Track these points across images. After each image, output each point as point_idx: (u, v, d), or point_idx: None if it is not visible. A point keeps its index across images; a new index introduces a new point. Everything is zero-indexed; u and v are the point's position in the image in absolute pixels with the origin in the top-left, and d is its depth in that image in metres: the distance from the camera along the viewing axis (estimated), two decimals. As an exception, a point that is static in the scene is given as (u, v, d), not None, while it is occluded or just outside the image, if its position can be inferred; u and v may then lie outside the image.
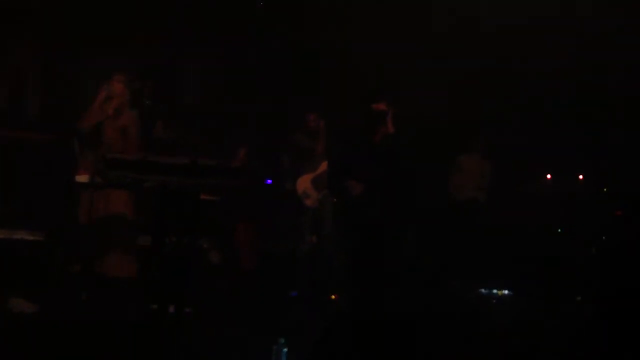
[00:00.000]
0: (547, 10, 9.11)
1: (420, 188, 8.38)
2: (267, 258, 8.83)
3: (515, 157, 9.78)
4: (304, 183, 8.25)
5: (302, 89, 9.94)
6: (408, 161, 6.60)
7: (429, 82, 9.46)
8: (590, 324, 7.20)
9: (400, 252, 7.30)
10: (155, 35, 9.85)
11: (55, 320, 5.88)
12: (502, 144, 9.72)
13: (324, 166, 8.00)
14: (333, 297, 7.64)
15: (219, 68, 10.60)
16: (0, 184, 7.77)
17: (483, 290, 8.73)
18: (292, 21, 10.05)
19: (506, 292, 8.74)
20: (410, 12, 9.41)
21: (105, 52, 9.40)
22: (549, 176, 9.87)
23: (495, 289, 8.75)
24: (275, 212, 9.27)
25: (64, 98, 8.92)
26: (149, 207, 7.26)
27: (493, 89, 9.86)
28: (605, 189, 9.23)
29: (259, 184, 9.18)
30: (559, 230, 9.26)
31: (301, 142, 8.43)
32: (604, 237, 8.77)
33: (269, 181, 9.53)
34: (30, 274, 6.77)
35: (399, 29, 9.44)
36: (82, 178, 6.86)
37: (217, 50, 10.31)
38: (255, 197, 8.91)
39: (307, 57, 10.19)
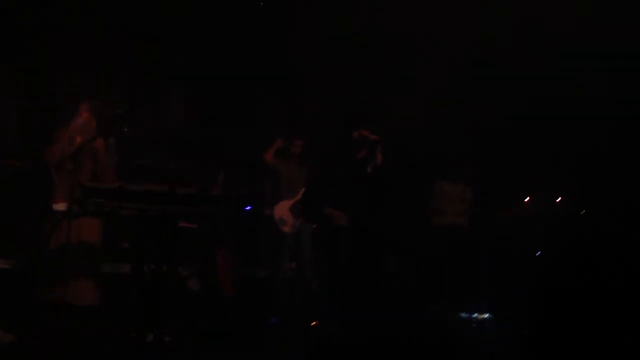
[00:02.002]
0: (523, 34, 9.19)
1: (401, 213, 8.44)
2: (247, 284, 8.80)
3: (494, 181, 9.83)
4: (282, 209, 8.24)
5: (283, 114, 9.98)
6: (392, 188, 6.60)
7: (408, 107, 9.51)
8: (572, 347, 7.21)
9: (381, 277, 7.31)
10: (138, 60, 9.87)
11: (36, 351, 5.85)
12: (481, 168, 9.77)
13: (302, 193, 7.99)
14: (313, 323, 7.62)
15: (202, 93, 10.62)
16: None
17: (463, 314, 8.73)
18: (276, 47, 10.09)
19: (486, 315, 8.74)
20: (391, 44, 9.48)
21: (87, 77, 9.43)
22: (527, 199, 9.89)
23: (475, 312, 8.74)
24: (255, 238, 9.26)
25: (46, 124, 8.88)
26: (124, 235, 7.27)
27: (471, 114, 9.93)
28: (583, 211, 9.27)
29: (238, 210, 9.16)
30: (538, 253, 9.29)
31: (281, 168, 8.43)
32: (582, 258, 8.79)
33: (249, 207, 9.52)
34: (5, 302, 6.71)
35: (379, 57, 9.51)
36: (59, 206, 6.83)
37: (200, 75, 10.33)
38: (234, 223, 8.89)
39: (289, 82, 10.25)
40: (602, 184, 9.23)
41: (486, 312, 8.70)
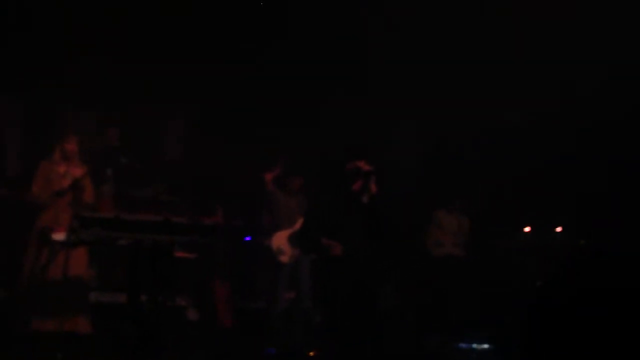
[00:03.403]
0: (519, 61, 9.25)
1: (399, 244, 8.44)
2: (245, 315, 8.81)
3: (492, 210, 9.85)
4: (279, 239, 8.27)
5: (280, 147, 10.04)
6: (389, 219, 6.59)
7: (404, 138, 9.57)
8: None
9: (379, 308, 7.30)
10: (139, 92, 9.95)
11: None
12: (479, 198, 9.80)
13: (300, 223, 8.01)
14: (311, 353, 7.61)
15: (202, 125, 10.69)
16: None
17: (462, 345, 8.71)
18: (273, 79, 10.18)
19: (486, 346, 8.71)
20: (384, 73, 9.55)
21: (88, 110, 9.52)
22: (527, 229, 9.90)
23: (474, 343, 8.72)
24: (253, 268, 9.28)
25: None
26: (121, 265, 7.29)
27: (469, 143, 9.99)
28: (582, 241, 9.27)
29: (236, 241, 9.20)
30: (538, 283, 9.26)
31: (279, 198, 8.47)
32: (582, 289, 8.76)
33: (248, 238, 9.56)
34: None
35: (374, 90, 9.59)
36: (58, 236, 6.87)
37: (199, 107, 10.41)
38: (232, 254, 8.93)
39: (286, 114, 10.33)
40: (602, 214, 9.24)
41: (485, 343, 8.67)
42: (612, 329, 7.55)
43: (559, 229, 9.65)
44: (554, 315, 8.61)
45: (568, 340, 8.12)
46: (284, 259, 8.19)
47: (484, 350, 8.64)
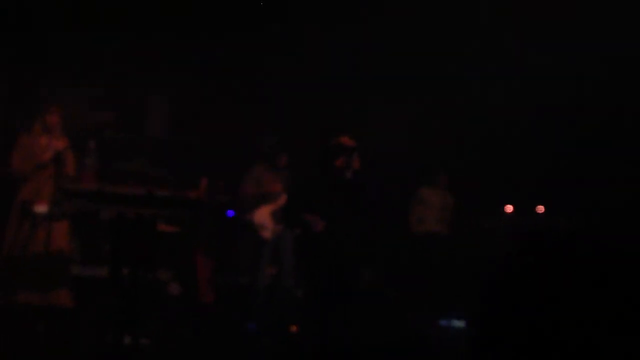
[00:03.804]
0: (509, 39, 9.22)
1: (381, 220, 8.44)
2: (226, 290, 8.81)
3: (476, 189, 9.86)
4: (262, 215, 8.25)
5: (264, 122, 10.02)
6: (372, 195, 6.59)
7: (389, 114, 9.55)
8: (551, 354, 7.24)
9: (361, 285, 7.31)
10: (125, 65, 9.88)
11: (14, 353, 5.86)
12: (463, 176, 9.81)
13: (284, 199, 8.00)
14: (293, 329, 7.63)
15: (187, 99, 10.65)
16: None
17: (443, 322, 8.76)
18: (258, 56, 10.13)
19: (465, 322, 8.76)
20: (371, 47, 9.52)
21: (74, 83, 9.43)
22: (509, 208, 9.93)
23: (455, 319, 8.77)
24: (235, 243, 9.27)
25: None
26: (103, 238, 7.26)
27: (454, 120, 9.98)
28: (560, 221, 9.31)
29: (219, 215, 9.18)
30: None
31: (263, 175, 8.44)
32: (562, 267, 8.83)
33: (231, 213, 9.54)
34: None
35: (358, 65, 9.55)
36: (40, 208, 6.84)
37: (185, 81, 10.36)
38: (214, 228, 8.91)
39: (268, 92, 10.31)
40: (587, 194, 9.28)
41: (465, 319, 8.72)
42: (591, 307, 7.62)
43: (540, 209, 9.70)
44: (532, 293, 8.70)
45: (548, 319, 8.20)
46: (266, 234, 8.17)
47: (465, 326, 8.69)
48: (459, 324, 8.70)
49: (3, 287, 6.78)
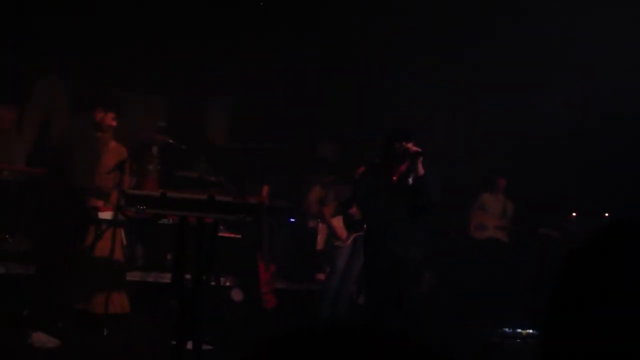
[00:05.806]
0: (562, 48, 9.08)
1: (442, 226, 8.38)
2: (288, 296, 8.81)
3: (539, 196, 9.74)
4: (338, 223, 8.04)
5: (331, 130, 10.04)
6: (434, 201, 6.53)
7: (451, 121, 9.49)
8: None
9: (422, 289, 7.25)
10: (187, 73, 9.99)
11: (80, 357, 5.95)
12: (525, 182, 9.70)
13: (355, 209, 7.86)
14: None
15: (248, 106, 10.72)
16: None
17: (506, 330, 8.63)
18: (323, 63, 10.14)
19: (530, 331, 8.63)
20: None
21: (136, 91, 9.55)
22: (573, 215, 9.80)
23: (519, 328, 8.63)
24: (297, 250, 9.28)
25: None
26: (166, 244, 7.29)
27: (517, 128, 9.86)
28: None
29: (281, 221, 9.20)
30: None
31: (333, 185, 8.34)
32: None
33: (292, 220, 9.56)
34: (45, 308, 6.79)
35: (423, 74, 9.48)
36: (105, 215, 6.93)
37: (247, 89, 10.43)
38: (276, 234, 8.93)
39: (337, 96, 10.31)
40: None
41: (529, 328, 8.59)
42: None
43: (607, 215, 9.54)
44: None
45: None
46: (342, 243, 8.01)
47: (529, 335, 8.56)
48: (522, 331, 8.57)
49: (67, 293, 6.85)
